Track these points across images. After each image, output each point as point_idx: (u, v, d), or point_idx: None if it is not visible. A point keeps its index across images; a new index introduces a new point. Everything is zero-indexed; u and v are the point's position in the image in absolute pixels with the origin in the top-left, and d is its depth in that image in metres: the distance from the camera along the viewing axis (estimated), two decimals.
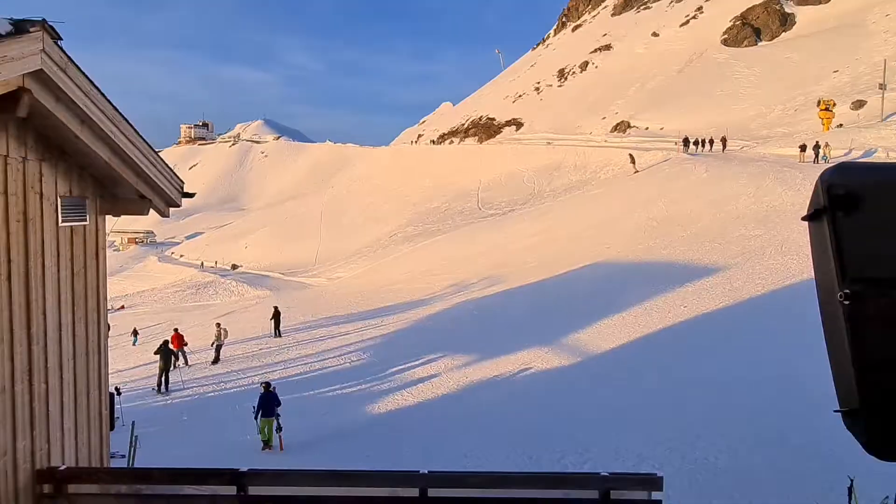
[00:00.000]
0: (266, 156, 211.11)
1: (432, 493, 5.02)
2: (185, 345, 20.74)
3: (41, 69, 4.26)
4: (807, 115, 46.43)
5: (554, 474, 5.26)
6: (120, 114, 5.29)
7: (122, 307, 48.08)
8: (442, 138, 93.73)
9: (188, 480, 5.06)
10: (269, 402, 12.16)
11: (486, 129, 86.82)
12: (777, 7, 78.20)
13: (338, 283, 40.93)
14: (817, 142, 33.90)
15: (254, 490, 5.04)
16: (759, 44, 74.94)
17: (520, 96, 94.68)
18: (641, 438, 9.66)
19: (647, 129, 61.84)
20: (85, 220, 5.73)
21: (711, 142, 42.76)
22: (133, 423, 10.53)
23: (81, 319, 5.71)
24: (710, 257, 20.42)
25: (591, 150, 57.07)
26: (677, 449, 9.14)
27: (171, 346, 18.75)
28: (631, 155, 43.33)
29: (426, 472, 5.08)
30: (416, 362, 16.69)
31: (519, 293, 22.86)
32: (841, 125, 41.14)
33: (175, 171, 7.06)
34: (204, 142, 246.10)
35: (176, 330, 21.72)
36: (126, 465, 8.75)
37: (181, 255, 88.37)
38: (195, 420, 14.51)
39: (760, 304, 15.80)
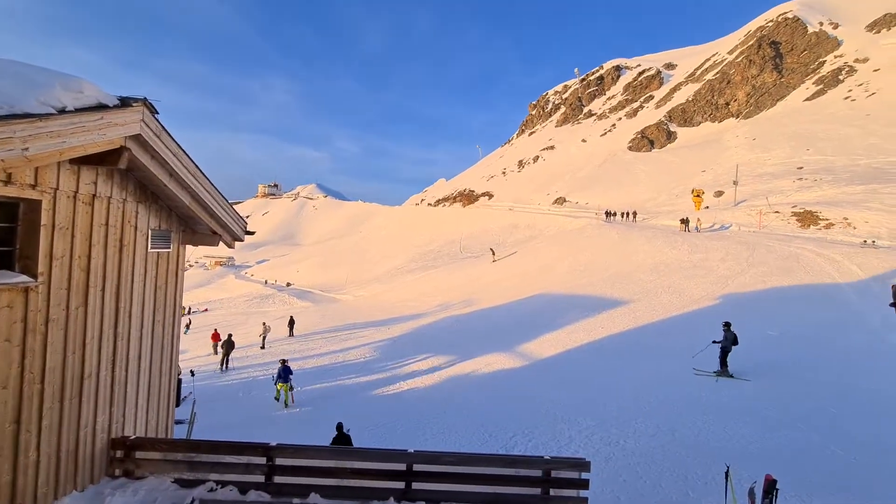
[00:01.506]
0: (316, 209, 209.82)
1: (416, 467, 4.55)
2: (220, 341, 20.14)
3: (140, 134, 3.94)
4: (684, 199, 47.09)
5: (508, 456, 4.78)
6: (200, 171, 4.95)
7: (206, 310, 46.67)
8: (437, 202, 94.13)
9: (228, 451, 4.52)
10: (284, 373, 12.22)
11: (467, 197, 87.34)
12: (665, 127, 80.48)
13: (360, 299, 40.13)
14: (688, 217, 34.26)
15: (280, 460, 4.52)
16: (653, 150, 76.74)
17: (492, 176, 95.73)
18: (571, 425, 9.12)
19: (576, 203, 62.46)
20: (169, 248, 5.31)
21: (625, 214, 42.99)
22: (194, 401, 9.77)
23: (160, 322, 5.24)
24: (619, 294, 20.13)
25: (539, 216, 57.39)
26: (596, 433, 8.62)
27: (232, 338, 18.11)
28: (492, 249, 39.88)
29: (412, 450, 4.59)
30: (412, 359, 16.06)
31: (486, 313, 22.38)
32: (707, 207, 41.69)
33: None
34: (274, 196, 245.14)
35: (215, 329, 21.42)
36: (185, 435, 8.04)
37: (252, 275, 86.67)
38: (247, 395, 13.70)
39: (654, 327, 15.48)
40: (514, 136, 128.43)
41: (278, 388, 12.29)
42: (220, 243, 6.05)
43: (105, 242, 4.27)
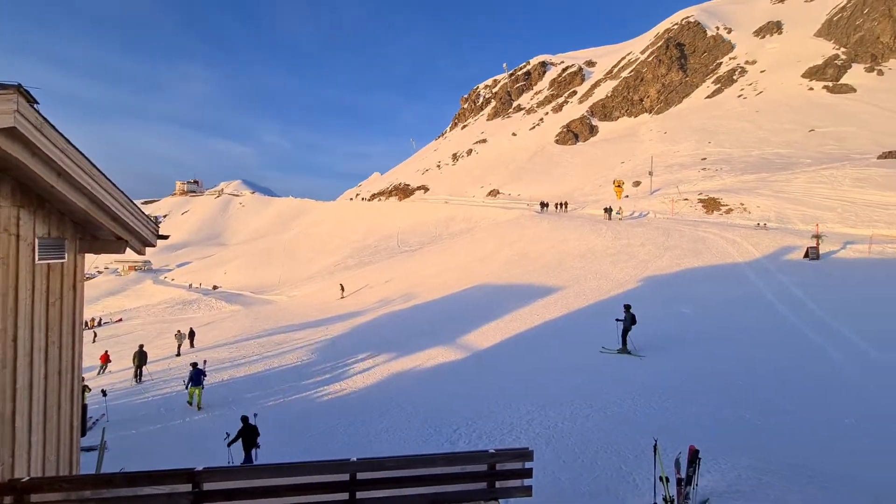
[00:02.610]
0: (243, 206, 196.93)
1: (360, 475, 4.37)
2: (109, 362, 19.54)
3: (14, 126, 3.35)
4: (607, 189, 50.12)
5: (453, 454, 4.74)
6: (97, 168, 4.34)
7: (120, 320, 42.37)
8: (373, 197, 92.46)
9: (147, 482, 4.05)
10: (196, 376, 12.13)
11: (403, 191, 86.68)
12: (587, 122, 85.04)
13: (295, 299, 38.47)
14: (610, 206, 36.48)
15: (208, 486, 4.12)
16: (577, 143, 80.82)
17: (427, 170, 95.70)
18: (512, 412, 9.36)
19: (509, 194, 64.31)
20: (63, 258, 4.64)
21: (558, 205, 44.74)
22: (104, 427, 8.77)
23: (55, 343, 4.57)
24: (552, 281, 21.00)
25: (475, 208, 58.39)
26: (535, 418, 8.91)
27: (143, 349, 17.12)
28: (341, 285, 33.95)
29: (355, 459, 4.40)
30: (351, 359, 15.64)
31: (426, 306, 22.37)
32: (627, 196, 44.68)
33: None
34: (195, 194, 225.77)
35: (106, 351, 20.42)
36: (95, 466, 7.15)
37: (173, 279, 79.82)
38: (169, 412, 12.56)
39: (585, 312, 16.32)
40: (448, 129, 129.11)
41: (190, 392, 12.13)
42: (129, 249, 5.40)
43: None
